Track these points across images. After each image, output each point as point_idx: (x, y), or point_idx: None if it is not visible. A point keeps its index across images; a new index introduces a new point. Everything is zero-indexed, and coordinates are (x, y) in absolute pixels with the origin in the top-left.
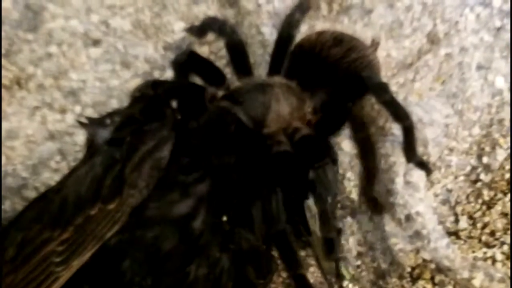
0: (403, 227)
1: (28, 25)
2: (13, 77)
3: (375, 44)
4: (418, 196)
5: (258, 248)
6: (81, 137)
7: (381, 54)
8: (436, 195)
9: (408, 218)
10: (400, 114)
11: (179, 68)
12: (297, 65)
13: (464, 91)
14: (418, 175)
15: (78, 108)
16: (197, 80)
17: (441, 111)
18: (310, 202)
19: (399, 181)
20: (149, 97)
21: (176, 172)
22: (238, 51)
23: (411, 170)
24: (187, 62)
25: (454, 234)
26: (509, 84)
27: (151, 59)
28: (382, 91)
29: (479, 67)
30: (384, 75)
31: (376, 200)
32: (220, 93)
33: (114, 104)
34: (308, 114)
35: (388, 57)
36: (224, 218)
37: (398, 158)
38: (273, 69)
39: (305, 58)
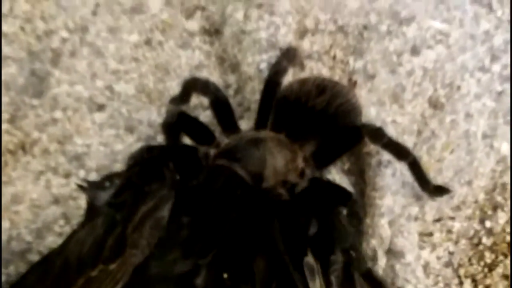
0: None
1: (34, 91)
2: (18, 142)
3: (352, 84)
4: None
5: None
6: (85, 201)
7: (387, 119)
8: (438, 258)
9: None
10: (401, 152)
11: (169, 130)
12: (283, 118)
13: (471, 162)
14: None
15: (82, 173)
16: (187, 140)
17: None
18: (309, 259)
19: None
20: (144, 160)
21: (177, 231)
22: (223, 109)
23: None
24: (176, 123)
25: None
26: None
27: (155, 124)
28: (379, 136)
29: (485, 136)
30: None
31: None
32: (212, 151)
33: (118, 168)
34: (301, 164)
35: (394, 123)
36: (225, 275)
37: None
38: (260, 122)
39: (291, 110)
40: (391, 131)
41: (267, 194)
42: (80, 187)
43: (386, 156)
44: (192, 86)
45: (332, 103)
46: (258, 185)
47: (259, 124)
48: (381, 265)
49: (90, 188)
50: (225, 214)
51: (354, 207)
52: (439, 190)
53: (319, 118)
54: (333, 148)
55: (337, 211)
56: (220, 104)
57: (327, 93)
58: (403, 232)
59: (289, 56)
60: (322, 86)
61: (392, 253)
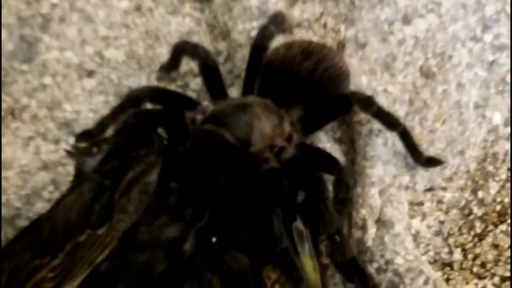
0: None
1: (23, 56)
2: (7, 108)
3: (341, 47)
4: None
5: (248, 269)
6: (73, 167)
7: (378, 88)
8: (429, 227)
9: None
10: (392, 122)
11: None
12: (269, 83)
13: (463, 132)
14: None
15: (71, 139)
16: None
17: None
18: (298, 224)
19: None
20: (131, 126)
21: (165, 196)
22: (212, 74)
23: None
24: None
25: (448, 265)
26: (504, 119)
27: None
28: (369, 105)
29: (477, 106)
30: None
31: None
32: (199, 116)
33: (107, 134)
34: (288, 129)
35: (385, 92)
36: (214, 240)
37: None
38: (247, 88)
39: (276, 76)
40: (383, 101)
41: (254, 158)
42: (68, 153)
43: (377, 125)
44: (182, 49)
45: (318, 68)
46: (245, 149)
47: (246, 89)
48: (370, 235)
49: (78, 154)
50: (214, 179)
51: (341, 174)
52: (432, 162)
53: (305, 84)
54: (321, 115)
55: (323, 196)
56: (209, 69)
57: (313, 58)
58: (393, 202)
59: (277, 21)
60: (308, 51)
61: (382, 222)
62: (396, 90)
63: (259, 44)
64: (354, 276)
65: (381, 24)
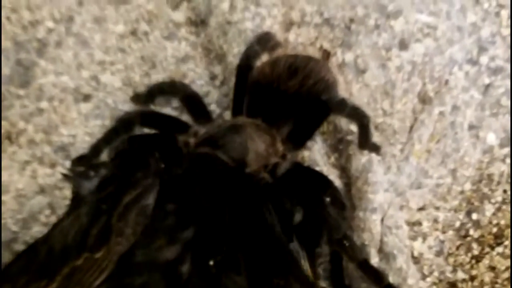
0: None
1: (20, 81)
2: (4, 132)
3: (326, 55)
4: None
5: None
6: (70, 191)
7: (377, 120)
8: (430, 247)
9: None
10: (361, 117)
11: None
12: (257, 103)
13: (457, 151)
14: None
15: (68, 163)
16: None
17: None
18: (294, 245)
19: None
20: (126, 151)
21: (162, 219)
22: (194, 102)
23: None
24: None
25: (453, 285)
26: (499, 140)
27: None
28: (343, 107)
29: (471, 127)
30: (387, 137)
31: None
32: (191, 140)
33: (105, 159)
34: (281, 147)
35: (385, 124)
36: (211, 262)
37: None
38: (236, 108)
39: (264, 96)
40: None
41: (251, 179)
42: (65, 176)
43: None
44: (159, 90)
45: (305, 84)
46: (241, 170)
47: (236, 110)
48: (373, 264)
49: (75, 177)
50: (210, 200)
51: (335, 193)
52: (373, 147)
53: (293, 101)
54: (306, 126)
55: (324, 203)
56: (191, 99)
57: (299, 75)
58: (392, 229)
59: (262, 41)
60: (294, 67)
61: (384, 254)
62: (395, 121)
63: (244, 64)
64: (368, 278)
65: (378, 49)
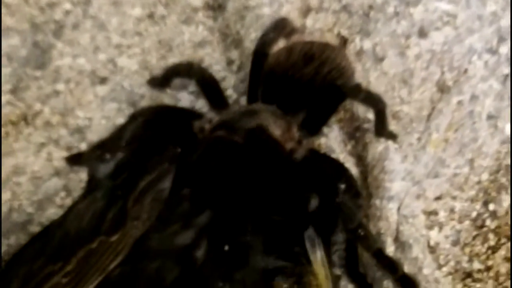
0: None
1: (36, 63)
2: (20, 114)
3: (343, 42)
4: None
5: (259, 277)
6: (86, 174)
7: (395, 108)
8: (446, 237)
9: None
10: (376, 102)
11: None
12: (273, 90)
13: (475, 141)
14: None
15: (83, 146)
16: None
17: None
18: (310, 232)
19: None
20: (143, 136)
21: (177, 204)
22: (211, 87)
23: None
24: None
25: (469, 275)
26: None
27: (157, 99)
28: (358, 92)
29: (490, 117)
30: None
31: None
32: (206, 125)
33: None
34: (296, 133)
35: (402, 112)
36: (226, 248)
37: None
38: (252, 96)
39: (279, 83)
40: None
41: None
42: (70, 160)
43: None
44: (176, 72)
45: (320, 71)
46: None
47: (251, 97)
48: (388, 254)
49: (91, 160)
50: (226, 184)
51: (350, 181)
52: (390, 135)
53: (307, 88)
54: (321, 112)
55: (339, 190)
56: (207, 83)
57: (314, 62)
58: (408, 218)
59: (278, 27)
60: (309, 54)
61: (400, 243)
62: (412, 109)
63: (259, 51)
64: (383, 267)
65: (397, 37)
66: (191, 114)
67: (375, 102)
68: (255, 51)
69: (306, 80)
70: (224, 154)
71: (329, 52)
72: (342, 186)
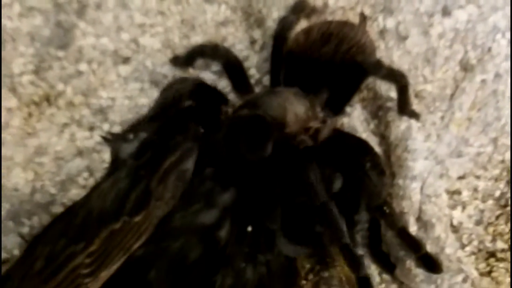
0: None
1: (59, 42)
2: (43, 94)
3: (363, 20)
4: None
5: (282, 259)
6: (108, 154)
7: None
8: (469, 217)
9: None
10: (398, 78)
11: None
12: (294, 73)
13: (498, 119)
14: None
15: (106, 126)
16: None
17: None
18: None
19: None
20: (168, 116)
21: (200, 183)
22: (236, 69)
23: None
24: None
25: (492, 255)
26: None
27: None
28: (378, 68)
29: None
30: (427, 105)
31: None
32: (230, 110)
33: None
34: (319, 112)
35: (425, 91)
36: (249, 228)
37: None
38: (274, 80)
39: (299, 65)
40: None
41: (290, 140)
42: (104, 139)
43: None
44: (201, 52)
45: (339, 49)
46: (281, 130)
47: (274, 81)
48: (411, 233)
49: (114, 140)
50: (250, 162)
51: (375, 159)
52: (413, 113)
53: (328, 68)
54: (343, 91)
55: (364, 168)
56: (233, 67)
57: (332, 41)
58: (431, 197)
59: (297, 10)
60: (327, 34)
61: (422, 222)
62: (435, 88)
63: (279, 35)
64: (407, 245)
65: (420, 16)
66: (222, 98)
67: (397, 77)
68: (275, 35)
69: (326, 60)
70: (248, 132)
71: (347, 30)
72: (368, 163)
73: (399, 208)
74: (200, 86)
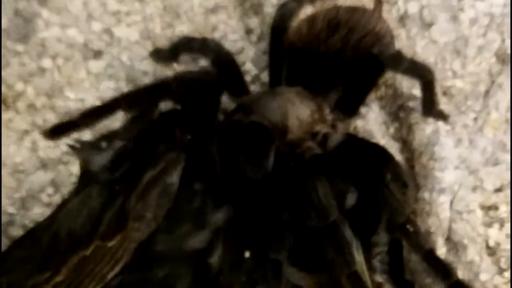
0: None
1: (18, 35)
2: None
3: (379, 3)
4: None
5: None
6: (77, 166)
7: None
8: (508, 236)
9: None
10: (423, 72)
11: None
12: (296, 70)
13: None
14: None
15: (74, 133)
16: None
17: None
18: (347, 232)
19: None
20: (148, 122)
21: (188, 200)
22: (229, 66)
23: None
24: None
25: None
26: None
27: (162, 76)
28: (398, 61)
29: None
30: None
31: None
32: (221, 116)
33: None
34: (329, 116)
35: (455, 88)
36: (247, 254)
37: None
38: (274, 78)
39: (302, 59)
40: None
41: (294, 147)
42: (72, 148)
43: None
44: (187, 45)
45: (349, 40)
46: (282, 137)
47: (273, 80)
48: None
49: (84, 149)
50: (246, 175)
51: (396, 170)
52: (441, 114)
53: (337, 62)
54: (356, 89)
55: (384, 179)
56: (225, 63)
57: (341, 30)
58: (463, 213)
59: None
60: (334, 22)
61: (453, 243)
62: (467, 84)
63: (278, 25)
64: (434, 271)
65: None
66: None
67: (421, 72)
68: (273, 25)
69: (334, 52)
70: (245, 140)
71: (358, 16)
72: (387, 175)
73: (425, 227)
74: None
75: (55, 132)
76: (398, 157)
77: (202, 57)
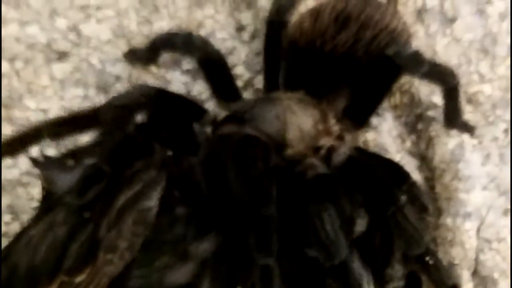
0: None
1: None
2: None
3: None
4: None
5: None
6: (39, 188)
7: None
8: None
9: None
10: (446, 76)
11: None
12: (297, 71)
13: None
14: None
15: (35, 149)
16: None
17: None
18: (355, 265)
19: None
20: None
21: (169, 227)
22: (217, 69)
23: None
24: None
25: None
26: None
27: (138, 81)
28: (417, 64)
29: None
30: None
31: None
32: (208, 128)
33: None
34: (335, 126)
35: (482, 94)
36: None
37: None
38: (271, 81)
39: (304, 60)
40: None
41: (293, 163)
42: (35, 163)
43: (470, 139)
44: (166, 44)
45: (360, 38)
46: (279, 152)
47: (270, 83)
48: None
49: (47, 166)
50: (238, 198)
51: (413, 191)
52: (465, 127)
53: (345, 63)
54: (367, 95)
55: (399, 203)
56: (212, 63)
57: (351, 26)
58: (492, 242)
59: None
60: (343, 16)
61: (481, 278)
62: (496, 90)
63: (275, 19)
64: None
65: None
66: (197, 109)
67: (442, 76)
68: (269, 20)
69: (342, 52)
70: (237, 156)
71: (371, 11)
72: (403, 196)
73: (448, 258)
74: (163, 95)
75: (12, 146)
76: (416, 175)
77: (186, 57)
